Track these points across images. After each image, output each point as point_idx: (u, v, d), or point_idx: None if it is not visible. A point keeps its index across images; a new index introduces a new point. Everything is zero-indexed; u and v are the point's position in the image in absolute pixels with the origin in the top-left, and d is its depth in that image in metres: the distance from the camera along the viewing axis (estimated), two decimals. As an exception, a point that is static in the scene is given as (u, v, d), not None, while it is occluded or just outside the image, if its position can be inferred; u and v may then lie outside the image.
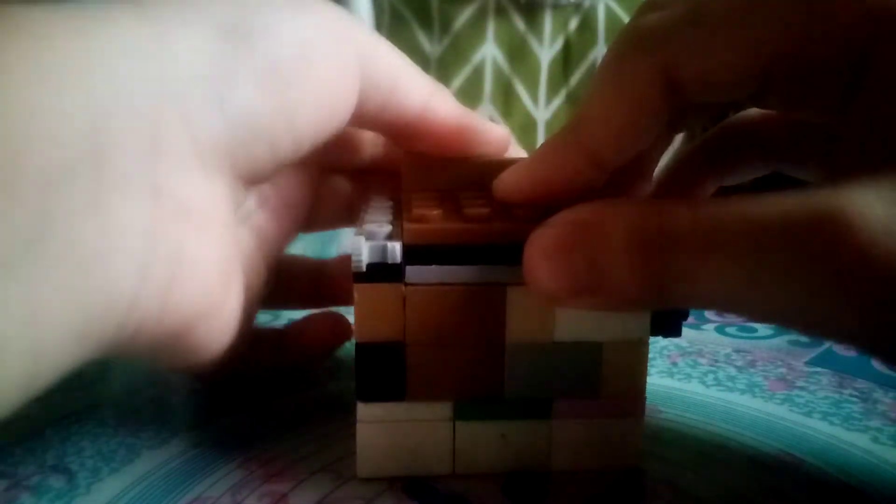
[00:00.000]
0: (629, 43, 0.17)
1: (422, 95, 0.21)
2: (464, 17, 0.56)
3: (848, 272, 0.12)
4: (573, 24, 0.57)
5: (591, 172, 0.18)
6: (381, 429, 0.19)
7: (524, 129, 0.58)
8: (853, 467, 0.20)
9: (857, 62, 0.15)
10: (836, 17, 0.15)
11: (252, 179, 0.19)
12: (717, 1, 0.16)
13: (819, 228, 0.13)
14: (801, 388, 0.25)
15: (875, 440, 0.21)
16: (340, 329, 0.25)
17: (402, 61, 0.21)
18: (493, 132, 0.23)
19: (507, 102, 0.57)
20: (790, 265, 0.13)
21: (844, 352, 0.28)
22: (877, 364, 0.26)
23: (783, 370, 0.26)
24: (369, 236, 0.18)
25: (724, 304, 0.15)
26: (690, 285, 0.15)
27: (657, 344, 0.29)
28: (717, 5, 0.16)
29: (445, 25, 0.57)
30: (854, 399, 0.24)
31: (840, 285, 0.13)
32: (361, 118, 0.21)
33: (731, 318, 0.31)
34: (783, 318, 0.14)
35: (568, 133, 0.18)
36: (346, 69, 0.20)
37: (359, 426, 0.19)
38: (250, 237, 0.21)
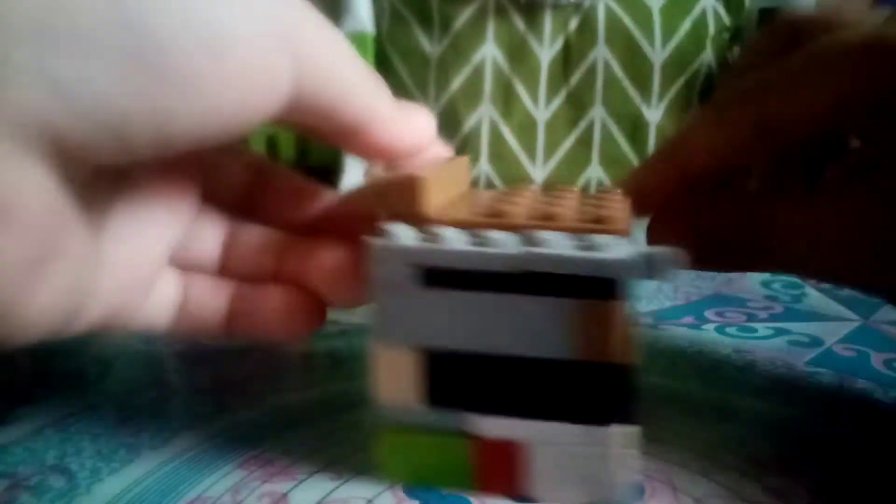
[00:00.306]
0: (732, 96, 0.20)
1: (369, 110, 0.18)
2: (464, 17, 0.56)
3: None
4: (573, 24, 0.57)
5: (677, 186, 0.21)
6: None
7: (524, 129, 0.58)
8: (853, 467, 0.20)
9: None
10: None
11: (103, 171, 0.15)
12: (796, 63, 0.19)
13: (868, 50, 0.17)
14: (802, 388, 0.25)
15: (875, 440, 0.21)
16: (307, 313, 0.20)
17: (353, 63, 0.18)
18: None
19: (507, 102, 0.57)
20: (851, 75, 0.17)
21: (844, 352, 0.28)
22: (877, 364, 0.26)
23: (783, 370, 0.26)
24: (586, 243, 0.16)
25: (809, 124, 0.18)
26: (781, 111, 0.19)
27: (659, 344, 0.29)
28: (796, 66, 0.19)
29: (445, 25, 0.57)
30: (854, 399, 0.24)
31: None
32: (288, 120, 0.17)
33: (732, 318, 0.31)
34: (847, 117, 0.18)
35: (665, 153, 0.22)
36: (267, 66, 0.15)
37: None
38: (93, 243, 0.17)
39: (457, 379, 0.18)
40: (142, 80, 0.14)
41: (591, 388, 0.17)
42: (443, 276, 0.17)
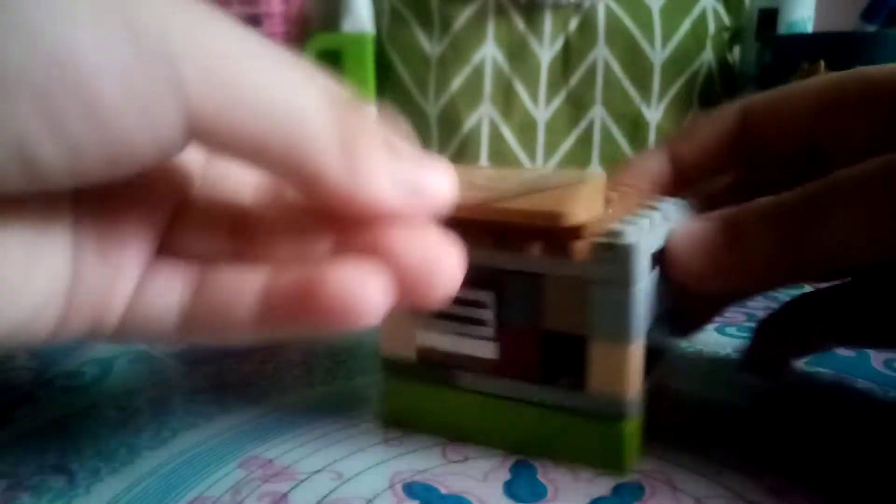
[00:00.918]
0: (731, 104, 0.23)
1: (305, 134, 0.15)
2: (464, 17, 0.56)
3: None
4: (573, 24, 0.57)
5: (672, 176, 0.23)
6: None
7: (524, 129, 0.58)
8: (853, 467, 0.20)
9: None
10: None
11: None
12: (796, 88, 0.23)
13: None
14: (802, 389, 0.25)
15: (875, 439, 0.21)
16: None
17: (269, 72, 0.15)
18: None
19: (507, 102, 0.57)
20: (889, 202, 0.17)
21: (844, 352, 0.28)
22: (876, 364, 0.26)
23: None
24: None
25: (848, 248, 0.18)
26: (825, 237, 0.18)
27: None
28: (796, 92, 0.23)
29: (445, 25, 0.57)
30: (854, 399, 0.24)
31: None
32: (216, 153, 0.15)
33: (732, 317, 0.31)
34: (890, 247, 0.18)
35: (662, 145, 0.24)
36: (135, 99, 0.13)
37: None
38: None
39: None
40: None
41: None
42: None
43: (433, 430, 0.21)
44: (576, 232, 0.18)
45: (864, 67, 0.22)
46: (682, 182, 0.23)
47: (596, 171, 0.20)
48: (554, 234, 0.18)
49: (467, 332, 0.20)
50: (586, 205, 0.18)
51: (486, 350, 0.20)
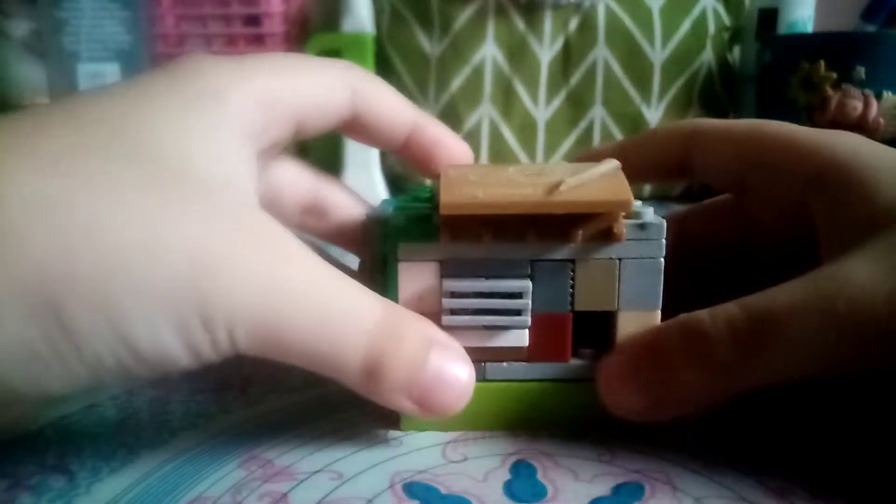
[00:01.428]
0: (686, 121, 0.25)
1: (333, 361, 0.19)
2: (464, 17, 0.56)
3: (857, 325, 0.17)
4: (573, 24, 0.57)
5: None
6: None
7: (524, 129, 0.58)
8: (853, 467, 0.20)
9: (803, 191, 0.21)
10: (786, 163, 0.22)
11: None
12: (733, 130, 0.24)
13: (831, 302, 0.17)
14: (802, 388, 0.25)
15: (875, 439, 0.21)
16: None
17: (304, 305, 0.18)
18: None
19: (507, 102, 0.57)
20: (825, 330, 0.17)
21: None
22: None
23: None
24: None
25: (785, 377, 0.18)
26: (753, 375, 0.18)
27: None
28: (730, 135, 0.24)
29: (445, 25, 0.57)
30: (854, 399, 0.24)
31: (854, 334, 0.17)
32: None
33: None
34: (825, 371, 0.18)
35: (615, 144, 0.26)
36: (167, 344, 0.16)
37: None
38: None
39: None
40: (46, 363, 0.15)
41: None
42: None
43: (457, 426, 0.21)
44: (622, 216, 0.20)
45: (792, 128, 0.23)
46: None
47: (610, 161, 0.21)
48: (600, 219, 0.20)
49: (502, 324, 0.21)
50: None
51: (519, 339, 0.21)
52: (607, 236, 0.20)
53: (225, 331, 0.17)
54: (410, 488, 0.19)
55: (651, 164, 0.25)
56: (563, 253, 0.20)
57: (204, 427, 0.22)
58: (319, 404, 0.23)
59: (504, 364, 0.21)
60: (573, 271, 0.21)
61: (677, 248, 0.24)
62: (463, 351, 0.20)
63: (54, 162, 0.16)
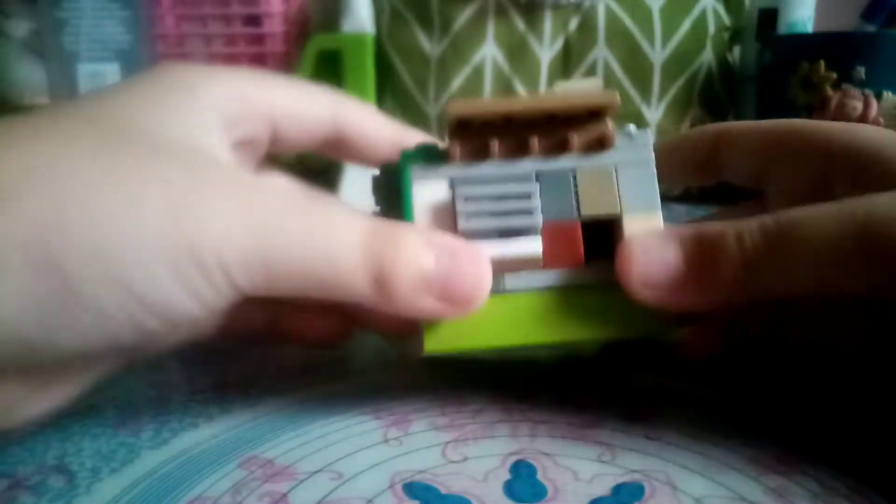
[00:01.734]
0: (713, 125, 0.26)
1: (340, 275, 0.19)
2: (464, 17, 0.56)
3: (874, 237, 0.18)
4: (573, 24, 0.57)
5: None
6: None
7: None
8: (854, 467, 0.20)
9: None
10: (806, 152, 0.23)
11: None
12: (754, 130, 0.25)
13: (854, 214, 0.18)
14: (802, 387, 0.25)
15: (875, 439, 0.21)
16: (341, 334, 0.25)
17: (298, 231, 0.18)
18: None
19: (507, 102, 0.57)
20: (850, 243, 0.18)
21: (844, 352, 0.28)
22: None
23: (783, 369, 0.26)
24: None
25: (805, 285, 0.19)
26: (781, 282, 0.19)
27: (659, 344, 0.29)
28: (751, 133, 0.25)
29: (445, 25, 0.57)
30: (854, 399, 0.24)
31: (870, 247, 0.18)
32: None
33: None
34: (848, 284, 0.18)
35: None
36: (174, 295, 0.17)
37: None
38: None
39: None
40: (56, 316, 0.16)
41: None
42: None
43: (480, 342, 0.22)
44: (608, 122, 0.22)
45: (815, 121, 0.23)
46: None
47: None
48: (591, 128, 0.22)
49: (515, 224, 0.22)
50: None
51: (533, 247, 0.22)
52: (601, 143, 0.22)
53: (219, 270, 0.17)
54: (410, 488, 0.19)
55: (680, 164, 0.27)
56: (563, 162, 0.22)
57: (204, 427, 0.22)
58: (319, 404, 0.23)
59: (522, 274, 0.22)
60: (575, 179, 0.22)
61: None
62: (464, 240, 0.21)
63: (41, 131, 0.17)
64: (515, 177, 0.22)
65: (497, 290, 0.21)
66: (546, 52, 0.57)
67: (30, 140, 0.17)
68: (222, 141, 0.21)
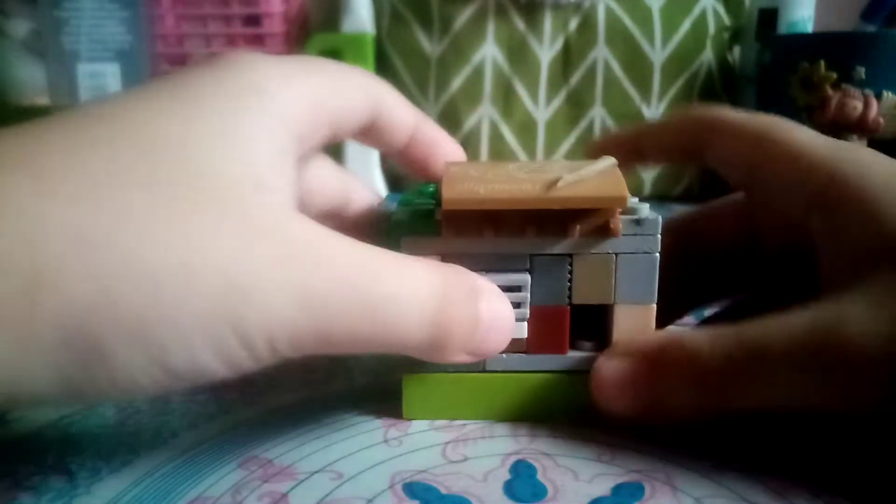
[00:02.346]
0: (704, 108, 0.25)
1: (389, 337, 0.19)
2: (464, 17, 0.56)
3: (852, 368, 0.17)
4: (573, 24, 0.57)
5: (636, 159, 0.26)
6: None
7: (524, 128, 0.58)
8: (854, 467, 0.20)
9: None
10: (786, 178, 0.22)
11: None
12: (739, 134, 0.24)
13: (827, 344, 0.17)
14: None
15: (875, 438, 0.21)
16: None
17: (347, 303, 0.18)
18: None
19: (507, 102, 0.57)
20: (815, 370, 0.17)
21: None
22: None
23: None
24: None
25: (772, 407, 0.19)
26: (742, 399, 0.19)
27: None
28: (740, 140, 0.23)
29: (445, 25, 0.57)
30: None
31: (851, 378, 0.17)
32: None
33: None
34: (811, 407, 0.18)
35: (629, 132, 0.26)
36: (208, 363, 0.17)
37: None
38: None
39: None
40: (78, 384, 0.16)
41: None
42: None
43: (457, 416, 0.22)
44: (619, 212, 0.21)
45: (801, 136, 0.22)
46: (640, 160, 0.26)
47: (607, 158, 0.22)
48: (597, 215, 0.21)
49: None
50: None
51: (518, 331, 0.21)
52: (604, 231, 0.21)
53: (265, 344, 0.17)
54: (410, 488, 0.19)
55: (666, 148, 0.26)
56: (561, 248, 0.21)
57: (204, 427, 0.22)
58: (319, 404, 0.23)
59: (504, 356, 0.22)
60: (571, 265, 0.21)
61: (683, 248, 0.24)
62: (497, 289, 0.20)
63: (90, 189, 0.15)
64: (508, 260, 0.21)
65: (478, 369, 0.22)
66: (546, 52, 0.57)
67: (77, 196, 0.15)
68: (292, 158, 0.19)
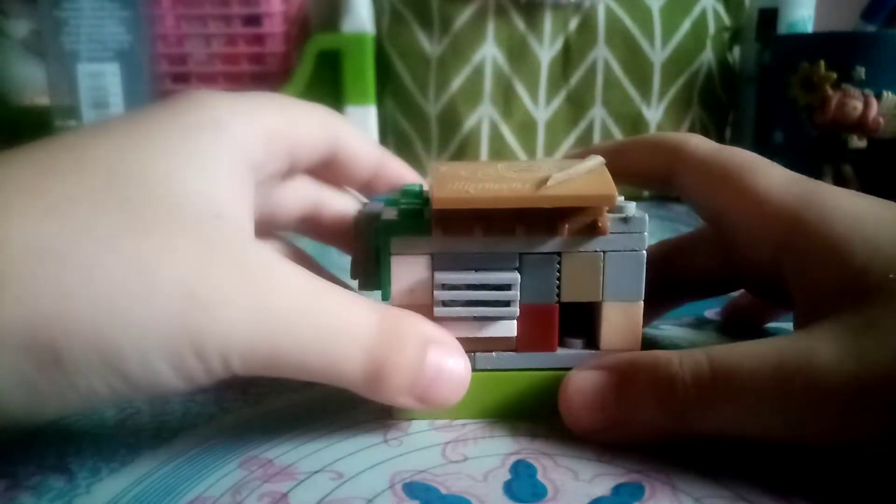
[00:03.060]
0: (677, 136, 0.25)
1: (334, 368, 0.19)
2: (464, 17, 0.56)
3: (817, 399, 0.17)
4: (573, 24, 0.57)
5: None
6: None
7: (524, 128, 0.58)
8: (853, 468, 0.20)
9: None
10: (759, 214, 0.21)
11: None
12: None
13: (795, 374, 0.18)
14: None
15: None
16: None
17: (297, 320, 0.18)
18: None
19: (507, 102, 0.57)
20: (781, 400, 0.18)
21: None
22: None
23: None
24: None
25: (738, 434, 0.19)
26: (707, 423, 0.19)
27: (659, 344, 0.29)
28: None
29: (445, 25, 0.57)
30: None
31: (814, 408, 0.17)
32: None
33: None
34: (775, 436, 0.18)
35: (603, 149, 0.25)
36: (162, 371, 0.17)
37: None
38: None
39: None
40: (42, 392, 0.16)
41: None
42: None
43: (447, 415, 0.22)
44: (607, 210, 0.21)
45: (767, 177, 0.22)
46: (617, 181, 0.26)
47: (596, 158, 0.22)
48: (586, 214, 0.21)
49: (491, 314, 0.21)
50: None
51: (508, 330, 0.22)
52: (592, 230, 0.21)
53: (219, 359, 0.17)
54: (410, 488, 0.19)
55: (634, 171, 0.25)
56: (550, 246, 0.21)
57: (204, 427, 0.22)
58: (319, 404, 0.23)
59: (493, 354, 0.22)
60: (559, 264, 0.21)
61: (661, 278, 0.24)
62: (457, 343, 0.21)
63: (54, 207, 0.16)
64: (498, 259, 0.21)
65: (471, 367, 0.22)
66: (546, 52, 0.57)
67: (43, 211, 0.16)
68: (248, 186, 0.20)
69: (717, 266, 0.26)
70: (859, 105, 0.49)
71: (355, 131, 0.25)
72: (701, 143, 0.24)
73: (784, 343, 0.19)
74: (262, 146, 0.21)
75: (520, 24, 0.57)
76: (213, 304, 0.17)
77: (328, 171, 0.25)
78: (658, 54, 0.57)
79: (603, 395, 0.20)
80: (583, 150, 0.27)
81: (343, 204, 0.26)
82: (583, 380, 0.21)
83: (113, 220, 0.17)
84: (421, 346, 0.20)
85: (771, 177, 0.22)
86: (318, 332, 0.18)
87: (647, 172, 0.25)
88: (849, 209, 0.20)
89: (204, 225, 0.18)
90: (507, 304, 0.21)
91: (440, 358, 0.20)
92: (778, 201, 0.21)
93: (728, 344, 0.19)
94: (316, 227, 0.26)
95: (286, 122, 0.22)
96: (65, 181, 0.17)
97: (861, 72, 0.49)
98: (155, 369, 0.17)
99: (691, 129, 0.59)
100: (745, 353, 0.19)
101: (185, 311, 0.17)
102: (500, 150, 0.57)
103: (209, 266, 0.17)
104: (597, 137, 0.58)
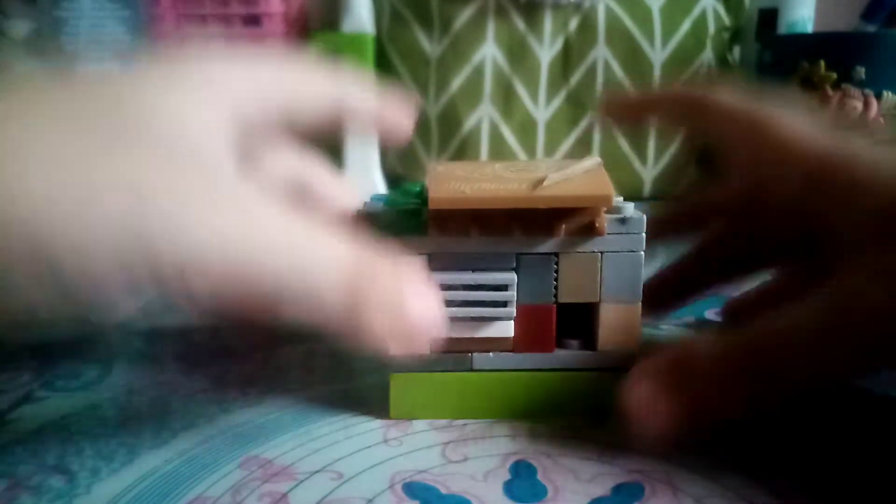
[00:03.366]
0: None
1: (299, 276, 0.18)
2: (464, 17, 0.56)
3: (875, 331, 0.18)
4: (573, 24, 0.57)
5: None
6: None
7: (524, 128, 0.58)
8: (853, 467, 0.20)
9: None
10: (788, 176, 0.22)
11: None
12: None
13: (849, 313, 0.18)
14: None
15: (874, 439, 0.21)
16: None
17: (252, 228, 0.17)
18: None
19: (507, 102, 0.57)
20: (840, 342, 0.18)
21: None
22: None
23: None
24: None
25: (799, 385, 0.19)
26: (771, 388, 0.19)
27: (659, 344, 0.29)
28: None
29: (445, 25, 0.57)
30: (854, 399, 0.24)
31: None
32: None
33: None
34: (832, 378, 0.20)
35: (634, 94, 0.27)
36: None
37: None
38: None
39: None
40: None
41: None
42: None
43: (444, 415, 0.22)
44: (605, 210, 0.21)
45: (793, 123, 0.22)
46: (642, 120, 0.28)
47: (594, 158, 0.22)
48: (583, 214, 0.21)
49: (488, 315, 0.21)
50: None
51: (505, 330, 0.22)
52: (590, 230, 0.21)
53: (172, 269, 0.16)
54: (410, 488, 0.19)
55: (667, 111, 0.26)
56: (547, 246, 0.21)
57: (204, 427, 0.22)
58: (319, 404, 0.23)
59: (491, 354, 0.22)
60: (557, 264, 0.21)
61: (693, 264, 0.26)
62: (428, 284, 0.19)
63: (25, 103, 0.17)
64: (494, 259, 0.21)
65: (464, 368, 0.22)
66: (546, 52, 0.57)
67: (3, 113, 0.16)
68: (229, 136, 0.20)
69: (743, 242, 0.26)
70: (859, 105, 0.49)
71: (360, 85, 0.24)
72: (728, 93, 0.24)
73: (821, 297, 0.19)
74: (255, 102, 0.21)
75: (520, 24, 0.57)
76: (171, 214, 0.16)
77: (340, 126, 0.24)
78: (658, 54, 0.57)
79: (671, 393, 0.19)
80: (622, 93, 0.28)
81: (336, 186, 0.26)
82: (646, 388, 0.20)
83: (74, 138, 0.17)
84: (399, 278, 0.19)
85: (798, 120, 0.22)
86: (298, 254, 0.17)
87: (679, 111, 0.26)
88: (870, 149, 0.21)
89: (183, 147, 0.18)
90: (503, 304, 0.21)
91: (418, 290, 0.19)
92: (805, 144, 0.21)
93: (758, 321, 0.19)
94: (341, 122, 0.25)
95: (283, 79, 0.22)
96: (33, 109, 0.17)
97: (861, 72, 0.49)
98: (93, 274, 0.16)
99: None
100: (787, 315, 0.19)
101: (134, 212, 0.16)
102: (500, 151, 0.57)
103: (177, 179, 0.17)
104: (597, 137, 0.58)
